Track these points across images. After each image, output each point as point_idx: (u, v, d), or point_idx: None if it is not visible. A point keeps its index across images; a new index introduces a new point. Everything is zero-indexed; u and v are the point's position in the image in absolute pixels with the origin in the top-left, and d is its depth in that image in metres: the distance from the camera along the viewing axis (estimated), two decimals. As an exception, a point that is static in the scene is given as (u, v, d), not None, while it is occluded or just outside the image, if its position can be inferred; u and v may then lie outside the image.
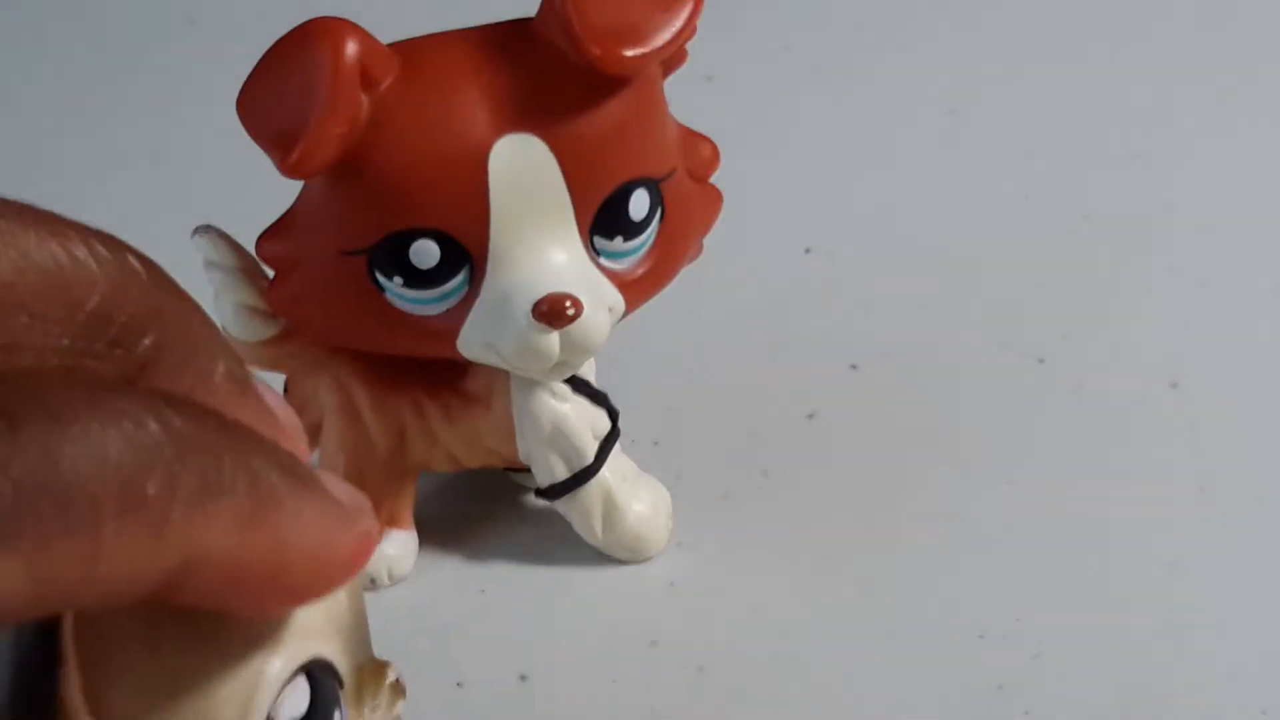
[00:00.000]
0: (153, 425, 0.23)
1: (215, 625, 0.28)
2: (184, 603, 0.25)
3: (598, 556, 0.52)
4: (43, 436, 0.22)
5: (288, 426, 0.29)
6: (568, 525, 0.51)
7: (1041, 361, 0.59)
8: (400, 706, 0.32)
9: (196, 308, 0.27)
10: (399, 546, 0.51)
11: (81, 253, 0.25)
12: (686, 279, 0.49)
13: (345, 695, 0.30)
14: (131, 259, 0.26)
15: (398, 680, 0.32)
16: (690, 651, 0.49)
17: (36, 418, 0.22)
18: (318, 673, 0.29)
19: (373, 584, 0.51)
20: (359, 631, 0.31)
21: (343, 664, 0.30)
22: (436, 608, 0.51)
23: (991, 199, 0.67)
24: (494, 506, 0.54)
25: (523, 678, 0.48)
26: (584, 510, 0.51)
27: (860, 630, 0.49)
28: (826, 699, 0.47)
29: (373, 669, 0.32)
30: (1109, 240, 0.64)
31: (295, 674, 0.29)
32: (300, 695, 0.29)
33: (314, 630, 0.29)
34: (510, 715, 0.47)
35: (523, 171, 0.44)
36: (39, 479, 0.22)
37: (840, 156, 0.69)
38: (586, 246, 0.46)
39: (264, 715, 0.28)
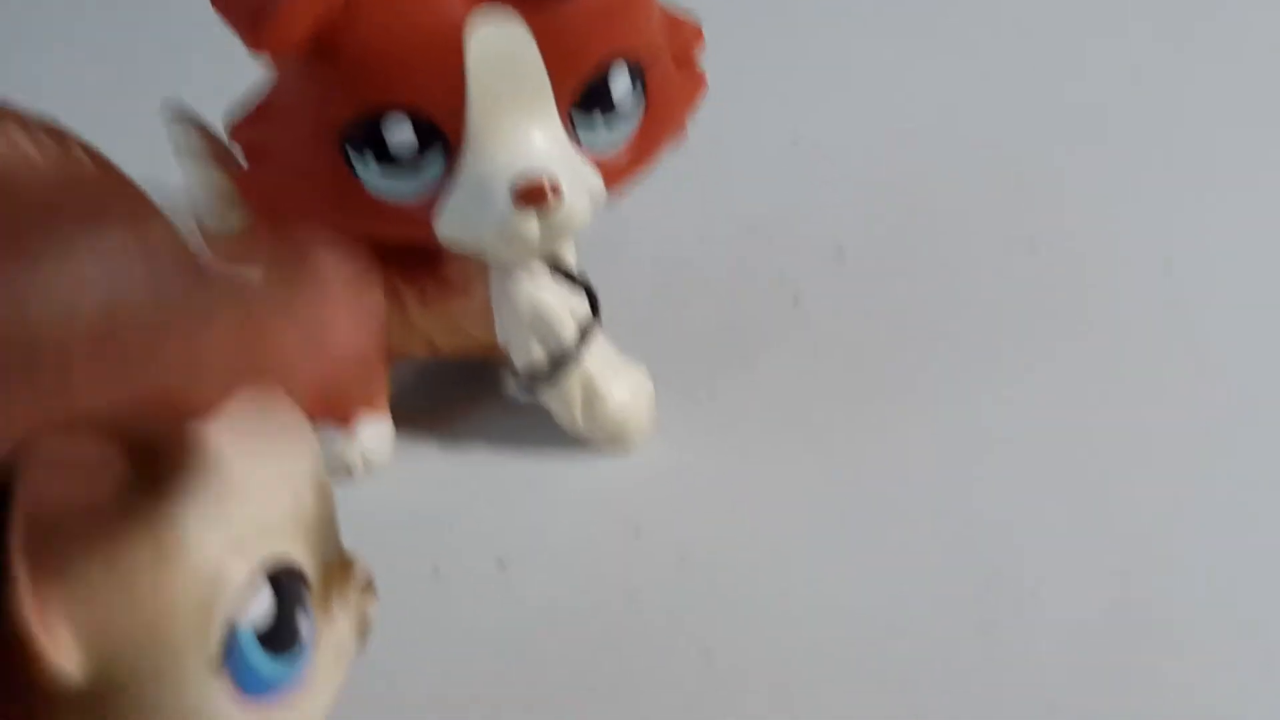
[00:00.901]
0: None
1: (176, 537, 0.27)
2: None
3: (578, 444, 0.51)
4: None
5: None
6: (547, 412, 0.51)
7: (1032, 243, 0.58)
8: (371, 605, 0.32)
9: (149, 204, 0.26)
10: (375, 435, 0.50)
11: (23, 140, 0.24)
12: (669, 163, 0.48)
13: (312, 596, 0.30)
14: (77, 150, 0.25)
15: (367, 579, 0.31)
16: (671, 539, 0.48)
17: None
18: (282, 576, 0.29)
19: (348, 473, 0.50)
20: (326, 530, 0.31)
21: (309, 565, 0.30)
22: (413, 496, 0.50)
23: (983, 81, 0.65)
24: (472, 393, 0.53)
25: (501, 565, 0.48)
26: (564, 397, 0.50)
27: (845, 519, 0.49)
28: (810, 588, 0.47)
29: (341, 568, 0.31)
30: (1102, 121, 0.63)
31: (258, 579, 0.28)
32: (263, 601, 0.28)
33: (277, 532, 0.29)
34: (488, 602, 0.47)
35: (500, 50, 0.43)
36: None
37: (828, 45, 0.68)
38: (567, 128, 0.45)
39: (225, 621, 0.28)
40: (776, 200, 0.60)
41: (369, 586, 0.32)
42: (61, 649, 0.27)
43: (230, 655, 0.28)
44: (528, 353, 0.49)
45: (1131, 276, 0.57)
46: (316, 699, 0.30)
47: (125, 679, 0.27)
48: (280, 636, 0.29)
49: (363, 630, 0.32)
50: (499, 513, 0.50)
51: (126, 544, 0.27)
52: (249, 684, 0.28)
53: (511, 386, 0.52)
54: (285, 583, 0.29)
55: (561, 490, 0.50)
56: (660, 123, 0.47)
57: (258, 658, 0.28)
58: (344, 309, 0.28)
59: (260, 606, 0.28)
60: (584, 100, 0.45)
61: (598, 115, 0.45)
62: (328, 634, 0.30)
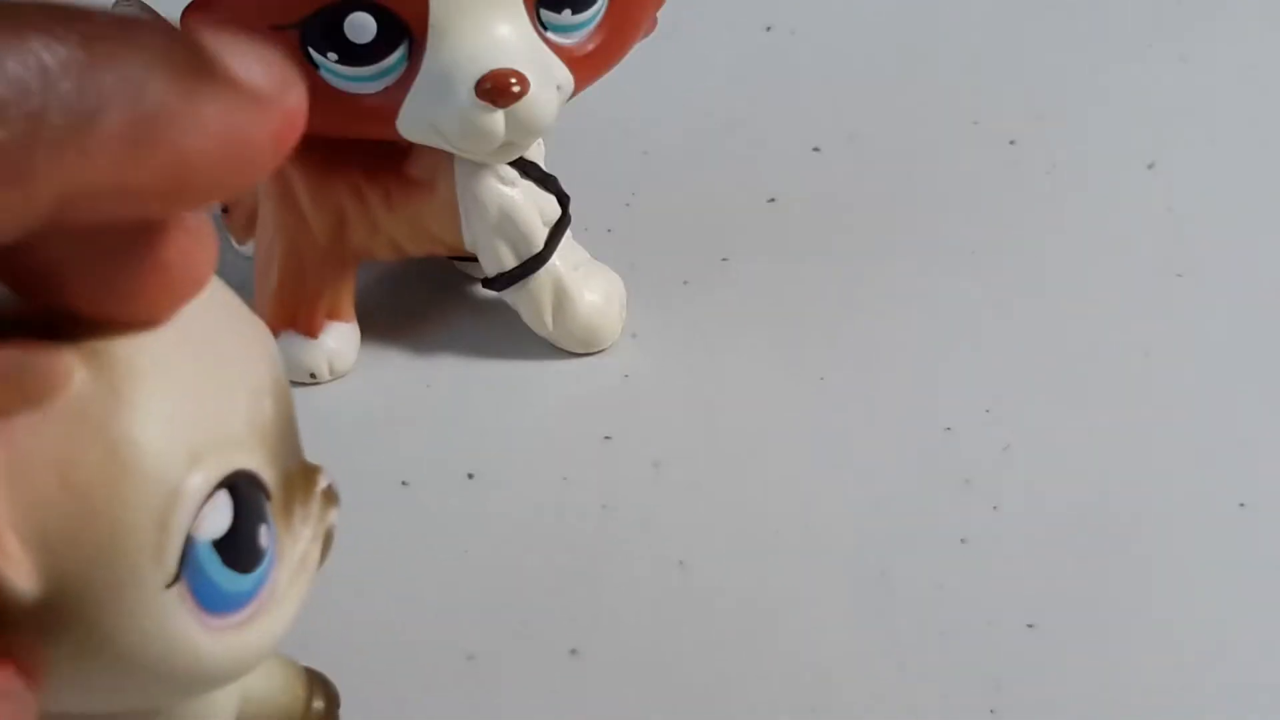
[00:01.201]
0: (10, 63, 0.21)
1: (131, 446, 0.26)
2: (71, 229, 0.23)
3: (548, 349, 0.50)
4: None
5: (192, 222, 0.26)
6: (517, 316, 0.49)
7: (1012, 143, 0.57)
8: (334, 515, 0.30)
9: None
10: (340, 339, 0.49)
11: None
12: (640, 56, 0.47)
13: (273, 507, 0.29)
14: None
15: (329, 487, 0.30)
16: (645, 446, 0.47)
17: None
18: (241, 486, 0.27)
19: (313, 378, 0.49)
20: (287, 436, 0.29)
21: (269, 474, 0.28)
22: (380, 404, 0.49)
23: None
24: (439, 297, 0.52)
25: (470, 476, 0.46)
26: (534, 300, 0.49)
27: (822, 423, 0.48)
28: (786, 494, 0.46)
29: (303, 476, 0.30)
30: (1085, 15, 0.62)
31: (216, 489, 0.27)
32: (222, 512, 0.27)
33: (235, 440, 0.27)
34: (458, 514, 0.46)
35: (464, -60, 0.42)
36: None
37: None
38: (533, 20, 0.44)
39: (182, 534, 0.26)
40: (751, 94, 0.59)
41: (331, 495, 0.30)
42: (11, 559, 0.26)
43: (189, 569, 0.27)
44: (496, 254, 0.48)
45: (1113, 176, 0.56)
46: (279, 613, 0.29)
47: (81, 592, 0.26)
48: (240, 550, 0.28)
49: (326, 541, 0.30)
50: (468, 420, 0.48)
51: (80, 453, 0.26)
52: (209, 599, 0.27)
53: (478, 288, 0.51)
54: (245, 494, 0.28)
55: (532, 396, 0.49)
56: (629, 12, 0.46)
57: (217, 571, 0.27)
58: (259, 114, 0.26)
59: (219, 519, 0.27)
60: (550, -11, 0.43)
61: (565, 5, 0.44)
62: (289, 546, 0.29)
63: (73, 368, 0.26)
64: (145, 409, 0.26)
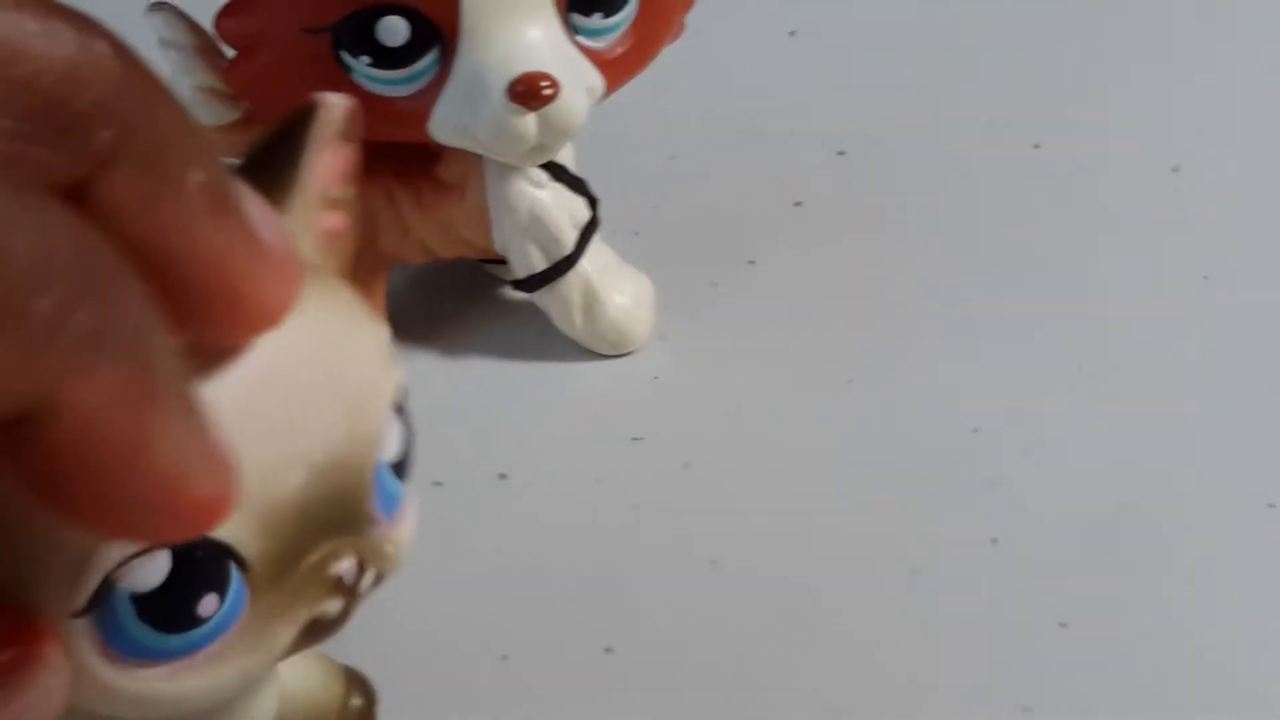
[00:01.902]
0: (66, 246, 0.21)
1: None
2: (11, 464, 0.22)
3: (578, 350, 0.50)
4: None
5: (272, 252, 0.25)
6: (546, 318, 0.50)
7: (1037, 146, 0.57)
8: (331, 605, 0.28)
9: (176, 107, 0.24)
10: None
11: (35, 27, 0.22)
12: (667, 60, 0.47)
13: (254, 577, 0.27)
14: (100, 42, 0.23)
15: (341, 579, 0.28)
16: (675, 447, 0.47)
17: None
18: (199, 551, 0.26)
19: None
20: (315, 514, 0.27)
21: (258, 546, 0.27)
22: (411, 405, 0.49)
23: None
24: (470, 299, 0.52)
25: (502, 476, 0.47)
26: (563, 302, 0.49)
27: (849, 423, 0.48)
28: (815, 494, 0.46)
29: (325, 555, 0.28)
30: (1109, 19, 0.62)
31: (154, 550, 0.25)
32: (156, 569, 0.26)
33: None
34: (491, 514, 0.46)
35: (495, -56, 0.42)
36: None
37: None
38: (564, 23, 0.44)
39: (98, 575, 0.25)
40: (777, 98, 0.59)
41: (339, 585, 0.28)
42: None
43: (100, 610, 0.26)
44: (526, 256, 0.48)
45: (1138, 180, 0.56)
46: (210, 677, 0.27)
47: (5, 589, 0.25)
48: (167, 612, 0.26)
49: (314, 632, 0.29)
50: (499, 421, 0.48)
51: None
52: (119, 643, 0.26)
53: (508, 290, 0.51)
54: (199, 559, 0.26)
55: (562, 397, 0.49)
56: (660, 16, 0.46)
57: (131, 623, 0.26)
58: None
59: (149, 574, 0.26)
60: (581, -7, 0.44)
61: (596, 9, 0.44)
62: (258, 618, 0.27)
63: None
64: None
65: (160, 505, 0.23)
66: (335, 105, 0.30)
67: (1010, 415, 0.47)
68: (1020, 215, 0.54)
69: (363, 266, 0.48)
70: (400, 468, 0.30)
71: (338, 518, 0.28)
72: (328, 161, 0.30)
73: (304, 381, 0.27)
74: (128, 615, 0.26)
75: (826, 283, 0.52)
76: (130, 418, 0.22)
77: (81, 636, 0.26)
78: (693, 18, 0.47)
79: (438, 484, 0.46)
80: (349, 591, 0.28)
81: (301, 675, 0.37)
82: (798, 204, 0.55)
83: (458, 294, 0.52)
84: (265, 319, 0.26)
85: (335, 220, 0.31)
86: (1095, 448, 0.47)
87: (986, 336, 0.50)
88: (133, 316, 0.22)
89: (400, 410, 0.30)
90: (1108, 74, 0.60)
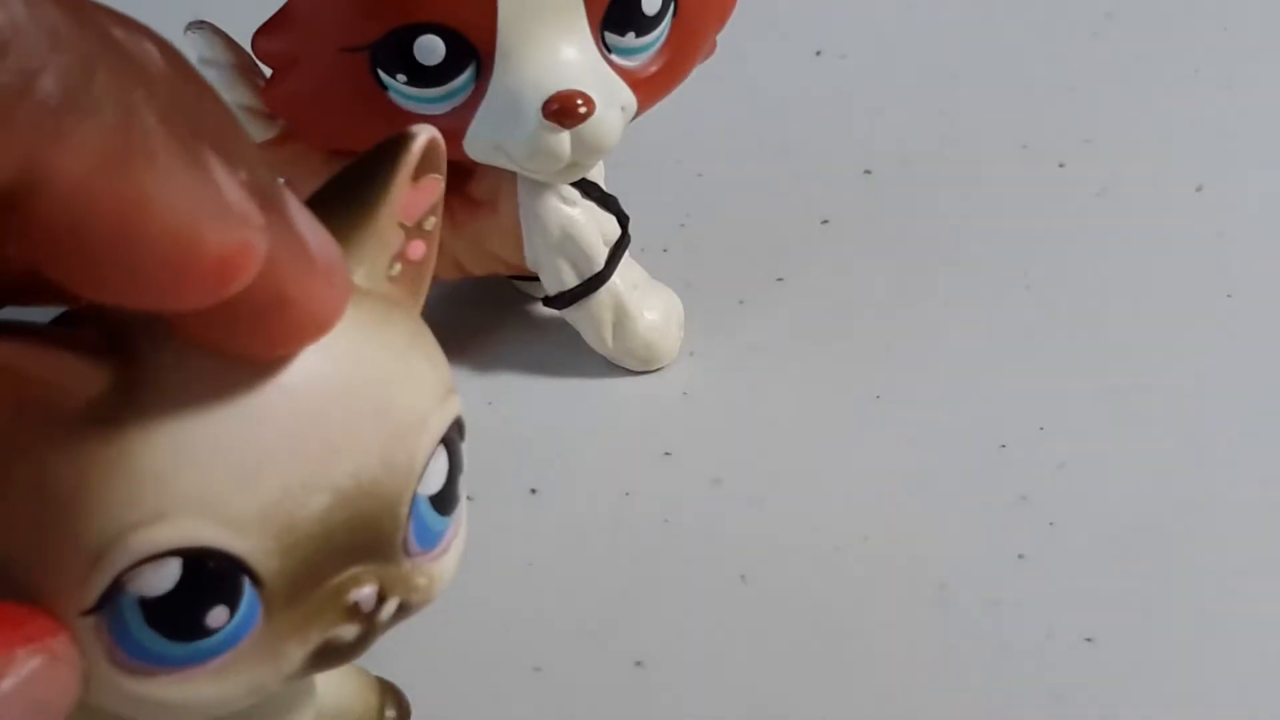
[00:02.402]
0: (20, 9, 0.20)
1: (103, 478, 0.25)
2: (17, 250, 0.22)
3: (608, 366, 0.50)
4: None
5: (318, 258, 0.25)
6: (577, 335, 0.50)
7: (1062, 166, 0.57)
8: (347, 631, 0.28)
9: (221, 105, 0.24)
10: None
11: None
12: (695, 79, 0.47)
13: (270, 595, 0.27)
14: (149, 43, 0.23)
15: (357, 604, 0.28)
16: (705, 462, 0.48)
17: None
18: (208, 564, 0.26)
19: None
20: (338, 539, 0.27)
21: (273, 563, 0.27)
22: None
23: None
24: (501, 316, 0.53)
25: (533, 491, 0.47)
26: (594, 318, 0.49)
27: (879, 440, 0.48)
28: (844, 510, 0.46)
29: (337, 586, 0.28)
30: (1133, 40, 0.62)
31: (168, 554, 0.26)
32: (165, 577, 0.26)
33: (227, 518, 0.26)
34: (522, 528, 0.46)
35: (530, -37, 0.42)
36: None
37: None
38: (598, 42, 0.44)
39: (110, 576, 0.26)
40: (804, 118, 0.59)
41: (354, 612, 0.28)
42: None
43: (109, 610, 0.26)
44: (557, 274, 0.48)
45: (1162, 199, 0.56)
46: (215, 688, 0.27)
47: (8, 581, 0.26)
48: (174, 620, 0.26)
49: (326, 655, 0.28)
50: (529, 436, 0.49)
51: (57, 460, 0.25)
52: (126, 645, 0.26)
53: (539, 307, 0.51)
54: (210, 570, 0.26)
55: (592, 413, 0.50)
56: (693, 35, 0.46)
57: (137, 627, 0.26)
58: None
59: (158, 581, 0.26)
60: (615, 13, 0.44)
61: (630, 28, 0.44)
62: (270, 634, 0.27)
63: (99, 383, 0.26)
64: (136, 450, 0.26)
65: (175, 265, 0.22)
66: (421, 135, 0.30)
67: (1037, 432, 0.48)
68: (1045, 233, 0.55)
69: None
70: (442, 501, 0.30)
71: (363, 544, 0.28)
72: (412, 191, 0.30)
73: (343, 405, 0.27)
74: (135, 619, 0.26)
75: (854, 300, 0.52)
76: (123, 176, 0.21)
77: (90, 635, 0.26)
78: (721, 37, 0.48)
79: (469, 499, 0.47)
80: (366, 619, 0.28)
81: (336, 687, 0.38)
82: (825, 222, 0.55)
83: (489, 310, 0.53)
84: (310, 328, 0.26)
85: (419, 249, 0.31)
86: (1121, 464, 0.47)
87: (1013, 353, 0.50)
88: (107, 73, 0.21)
89: (450, 444, 0.30)
90: (1131, 94, 0.60)
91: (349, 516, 0.27)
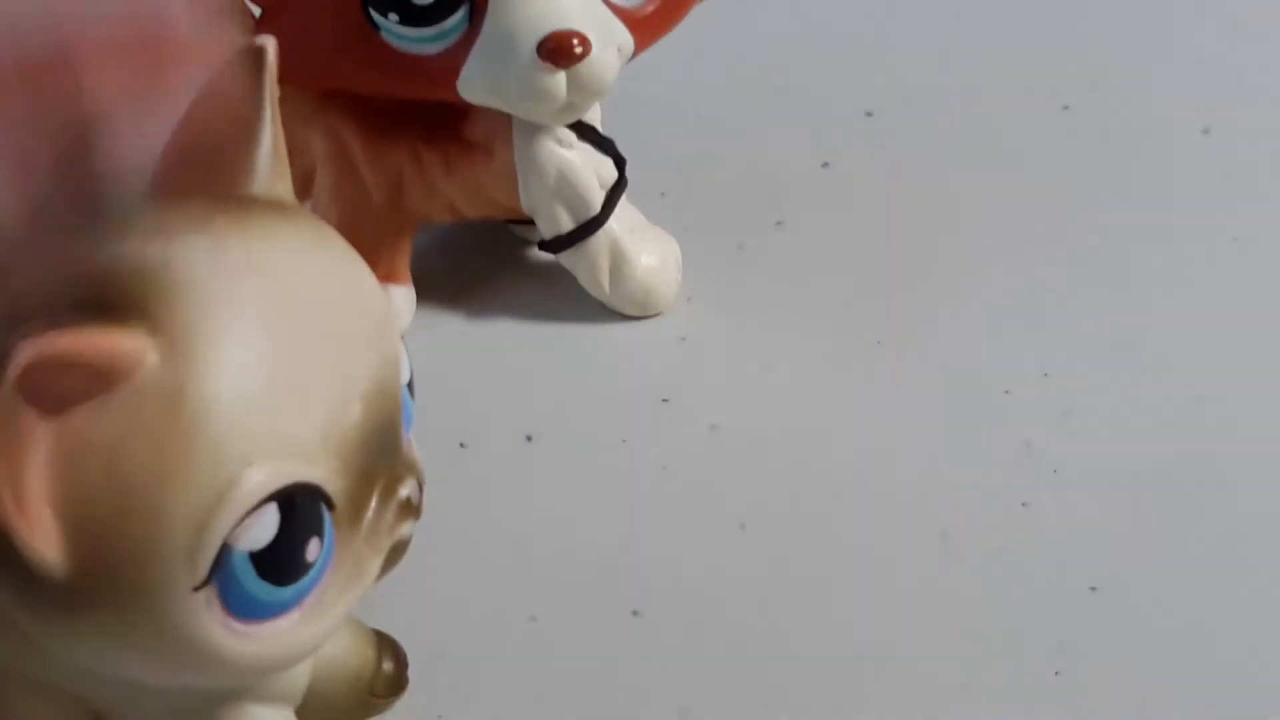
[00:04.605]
0: None
1: (181, 448, 0.26)
2: None
3: (605, 311, 0.50)
4: None
5: None
6: (573, 279, 0.49)
7: (1066, 108, 0.57)
8: (407, 528, 0.29)
9: None
10: (397, 302, 0.49)
11: None
12: (692, 20, 0.46)
13: (337, 516, 0.28)
14: None
15: (409, 499, 0.29)
16: (703, 409, 0.47)
17: None
18: (295, 500, 0.27)
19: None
20: (374, 442, 0.28)
21: (338, 483, 0.28)
22: (437, 366, 0.48)
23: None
24: (496, 260, 0.52)
25: (529, 438, 0.47)
26: (590, 263, 0.49)
27: (880, 386, 0.48)
28: (844, 457, 0.46)
29: (386, 482, 0.29)
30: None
31: (264, 502, 0.26)
32: (267, 524, 0.27)
33: (300, 451, 0.27)
34: (517, 476, 0.46)
35: (526, -101, 0.42)
36: None
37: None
38: (594, -21, 0.43)
39: (218, 541, 0.26)
40: (804, 59, 0.59)
41: (409, 507, 0.29)
42: (40, 535, 0.26)
43: (220, 575, 0.27)
44: (553, 217, 0.48)
45: (1167, 141, 0.55)
46: (319, 623, 0.28)
47: (110, 580, 0.26)
48: (281, 564, 0.27)
49: (395, 551, 0.30)
50: (525, 383, 0.48)
51: (131, 444, 0.26)
52: (239, 606, 0.27)
53: (535, 251, 0.51)
54: (300, 506, 0.27)
55: (588, 359, 0.49)
56: (690, -28, 0.46)
57: (251, 582, 0.27)
58: None
59: (262, 531, 0.27)
60: (612, -50, 0.43)
61: (626, -35, 0.44)
62: (348, 555, 0.28)
63: (144, 351, 0.26)
64: (205, 409, 0.26)
65: None
66: (270, 45, 0.31)
67: (1041, 378, 0.47)
68: (1049, 176, 0.54)
69: (388, 226, 0.48)
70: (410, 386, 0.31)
71: (387, 443, 0.29)
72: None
73: (343, 314, 0.28)
74: (248, 575, 0.27)
75: (855, 245, 0.52)
76: None
77: (203, 609, 0.27)
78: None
79: (463, 446, 0.46)
80: (416, 510, 0.29)
81: (334, 640, 0.37)
82: (825, 165, 0.55)
83: (484, 255, 0.52)
84: None
85: None
86: (1127, 411, 0.46)
87: (1016, 299, 0.50)
88: None
89: None
90: (1137, 36, 0.59)
91: (377, 418, 0.28)
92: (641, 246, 0.49)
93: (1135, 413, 0.46)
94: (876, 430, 0.46)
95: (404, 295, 0.49)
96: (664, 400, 0.47)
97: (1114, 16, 0.60)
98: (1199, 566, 0.42)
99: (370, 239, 0.48)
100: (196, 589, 0.26)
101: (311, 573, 0.28)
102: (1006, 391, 0.47)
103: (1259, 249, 0.51)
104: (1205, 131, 0.55)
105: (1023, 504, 0.44)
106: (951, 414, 0.46)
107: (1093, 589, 0.42)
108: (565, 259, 0.49)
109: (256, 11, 0.45)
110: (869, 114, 0.56)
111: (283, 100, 0.47)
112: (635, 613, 0.42)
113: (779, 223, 0.53)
